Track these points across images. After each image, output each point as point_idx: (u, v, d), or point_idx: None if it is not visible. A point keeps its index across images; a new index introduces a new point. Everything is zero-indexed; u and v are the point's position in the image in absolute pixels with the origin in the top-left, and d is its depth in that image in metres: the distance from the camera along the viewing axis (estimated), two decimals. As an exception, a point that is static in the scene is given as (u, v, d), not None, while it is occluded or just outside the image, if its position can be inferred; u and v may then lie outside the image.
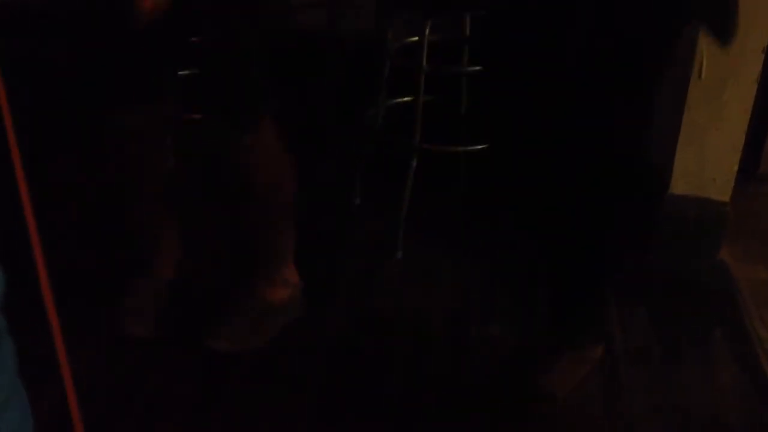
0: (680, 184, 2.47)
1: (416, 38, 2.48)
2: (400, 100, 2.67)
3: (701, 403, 1.97)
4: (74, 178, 2.72)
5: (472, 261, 2.47)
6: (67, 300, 2.05)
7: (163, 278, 2.13)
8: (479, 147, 2.55)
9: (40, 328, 1.27)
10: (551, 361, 1.94)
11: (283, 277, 2.05)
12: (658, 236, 2.50)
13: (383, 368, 2.02)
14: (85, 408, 1.32)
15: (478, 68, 2.56)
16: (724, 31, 1.65)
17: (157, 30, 1.63)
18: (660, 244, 2.50)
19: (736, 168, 2.45)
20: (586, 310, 1.99)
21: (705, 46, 2.32)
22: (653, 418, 1.91)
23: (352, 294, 2.31)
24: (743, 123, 2.39)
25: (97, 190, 2.61)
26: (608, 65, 1.61)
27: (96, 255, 2.34)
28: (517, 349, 2.07)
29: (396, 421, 1.85)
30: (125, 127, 1.86)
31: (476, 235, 2.60)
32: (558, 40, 1.64)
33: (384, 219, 2.54)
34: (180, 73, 1.95)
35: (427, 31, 2.37)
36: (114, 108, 1.83)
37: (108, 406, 1.82)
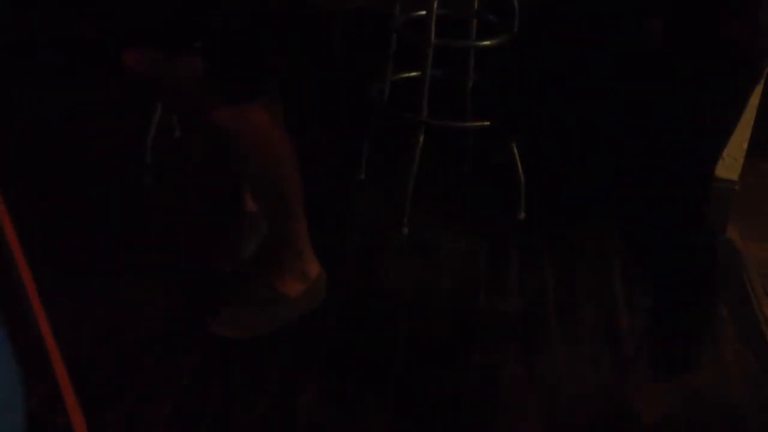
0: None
1: (424, 12, 2.45)
2: (407, 74, 2.64)
3: (706, 380, 1.97)
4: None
5: (477, 237, 2.47)
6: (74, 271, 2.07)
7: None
8: (486, 123, 2.53)
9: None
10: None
11: (299, 269, 2.01)
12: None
13: (389, 343, 2.02)
14: (84, 390, 1.32)
15: (486, 42, 2.53)
16: None
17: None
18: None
19: (745, 146, 2.44)
20: None
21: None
22: (659, 395, 1.91)
23: (358, 269, 2.30)
24: (754, 101, 2.36)
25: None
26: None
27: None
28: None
29: (401, 397, 1.85)
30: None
31: (482, 211, 2.60)
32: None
33: (390, 194, 2.53)
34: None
35: (435, 5, 2.34)
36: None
37: (109, 385, 1.82)
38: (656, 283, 1.85)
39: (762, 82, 1.56)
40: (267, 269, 2.02)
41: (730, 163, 2.45)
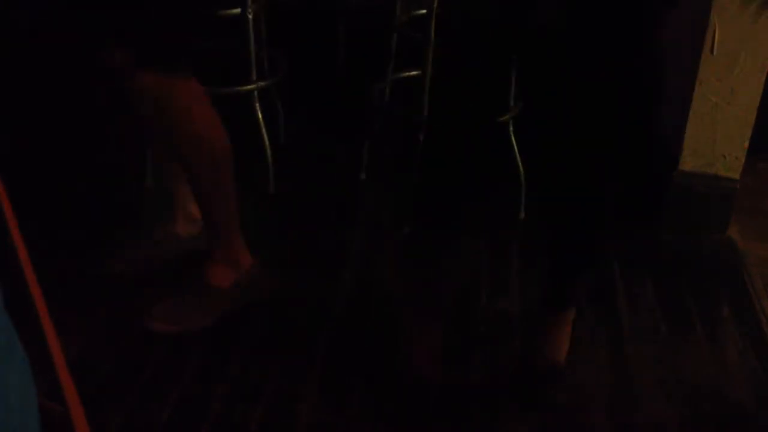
0: (690, 161, 2.46)
1: (424, 11, 2.45)
2: (408, 73, 2.64)
3: (708, 379, 1.97)
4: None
5: (478, 236, 2.47)
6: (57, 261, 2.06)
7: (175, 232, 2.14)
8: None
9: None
10: (547, 327, 1.94)
11: (229, 259, 1.97)
12: (667, 213, 2.49)
13: (390, 343, 2.02)
14: (88, 379, 1.32)
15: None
16: None
17: None
18: (668, 220, 2.49)
19: (746, 145, 2.43)
20: (579, 276, 1.98)
21: (717, 20, 2.30)
22: (660, 394, 1.91)
23: (359, 269, 2.30)
24: (755, 99, 2.37)
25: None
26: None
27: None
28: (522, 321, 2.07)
29: (402, 397, 1.85)
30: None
31: (483, 211, 2.59)
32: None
33: (391, 194, 2.53)
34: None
35: (436, 3, 2.34)
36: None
37: (108, 386, 1.82)
38: None
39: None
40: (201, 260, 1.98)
41: (731, 162, 2.45)
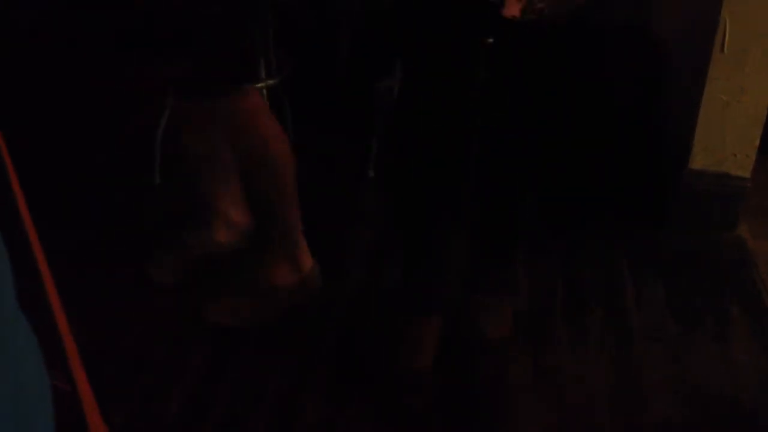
0: (700, 159, 2.44)
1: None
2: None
3: (717, 379, 1.96)
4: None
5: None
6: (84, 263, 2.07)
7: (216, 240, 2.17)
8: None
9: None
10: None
11: (291, 260, 2.02)
12: (677, 211, 2.47)
13: (394, 342, 2.02)
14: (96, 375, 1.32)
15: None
16: None
17: None
18: (677, 219, 2.48)
19: (757, 143, 2.41)
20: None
21: (728, 18, 2.28)
22: (668, 394, 1.90)
23: (365, 267, 2.30)
24: (766, 97, 2.35)
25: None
26: None
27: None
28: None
29: (407, 396, 1.85)
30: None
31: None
32: None
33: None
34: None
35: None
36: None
37: (115, 383, 1.82)
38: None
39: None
40: (260, 259, 2.02)
41: (742, 161, 2.43)
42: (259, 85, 2.45)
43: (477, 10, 1.60)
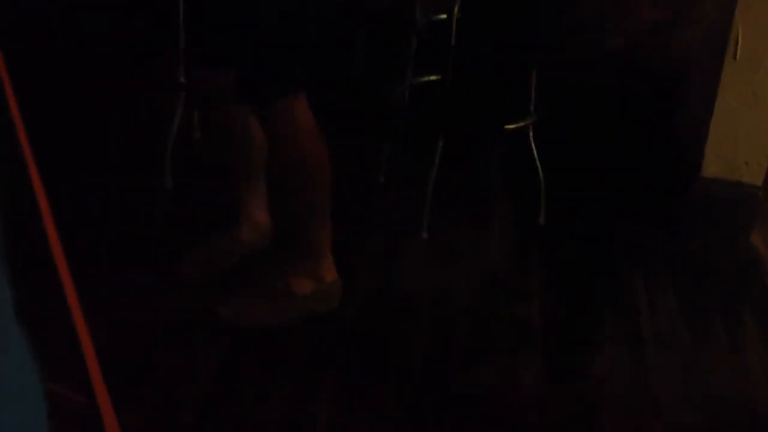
0: (712, 167, 2.43)
1: (444, 15, 2.44)
2: (427, 78, 2.64)
3: (730, 388, 1.95)
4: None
5: (499, 241, 2.45)
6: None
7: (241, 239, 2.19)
8: (508, 126, 2.51)
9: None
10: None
11: (313, 270, 2.02)
12: (689, 219, 2.46)
13: (407, 347, 2.01)
14: (108, 378, 1.32)
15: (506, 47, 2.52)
16: None
17: None
18: (690, 226, 2.47)
19: (769, 151, 2.41)
20: None
21: (741, 26, 2.28)
22: (682, 402, 1.89)
23: (377, 272, 2.29)
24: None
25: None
26: None
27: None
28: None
29: (419, 401, 1.84)
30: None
31: (502, 215, 2.58)
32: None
33: (410, 198, 2.52)
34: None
35: (456, 8, 2.33)
36: None
37: (130, 376, 1.82)
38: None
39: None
40: (281, 263, 2.03)
41: (754, 169, 2.42)
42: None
43: None
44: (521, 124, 2.48)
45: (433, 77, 2.59)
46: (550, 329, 2.10)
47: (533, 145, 2.50)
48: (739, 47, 2.31)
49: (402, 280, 2.28)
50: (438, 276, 2.30)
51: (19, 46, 2.29)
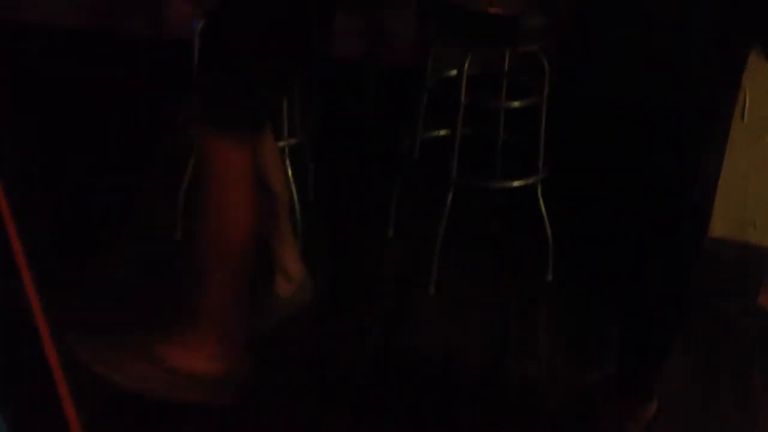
0: (719, 227, 2.44)
1: (455, 71, 2.47)
2: (437, 132, 2.66)
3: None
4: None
5: (506, 298, 2.45)
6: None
7: None
8: (516, 182, 2.53)
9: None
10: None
11: (286, 272, 2.11)
12: (696, 279, 2.46)
13: (416, 404, 2.01)
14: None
15: (516, 103, 2.55)
16: None
17: None
18: (697, 287, 2.46)
19: (778, 211, 2.42)
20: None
21: (748, 86, 2.30)
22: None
23: (385, 328, 2.29)
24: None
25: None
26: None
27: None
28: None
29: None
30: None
31: (510, 272, 2.59)
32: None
33: (418, 253, 2.53)
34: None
35: (467, 65, 2.36)
36: None
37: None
38: None
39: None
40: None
41: (762, 229, 2.43)
42: (281, 143, 2.46)
43: None
44: (530, 180, 2.49)
45: (443, 131, 2.62)
46: (559, 390, 2.10)
47: (541, 201, 2.51)
48: (746, 108, 2.33)
49: (410, 337, 2.27)
50: (446, 332, 2.30)
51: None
